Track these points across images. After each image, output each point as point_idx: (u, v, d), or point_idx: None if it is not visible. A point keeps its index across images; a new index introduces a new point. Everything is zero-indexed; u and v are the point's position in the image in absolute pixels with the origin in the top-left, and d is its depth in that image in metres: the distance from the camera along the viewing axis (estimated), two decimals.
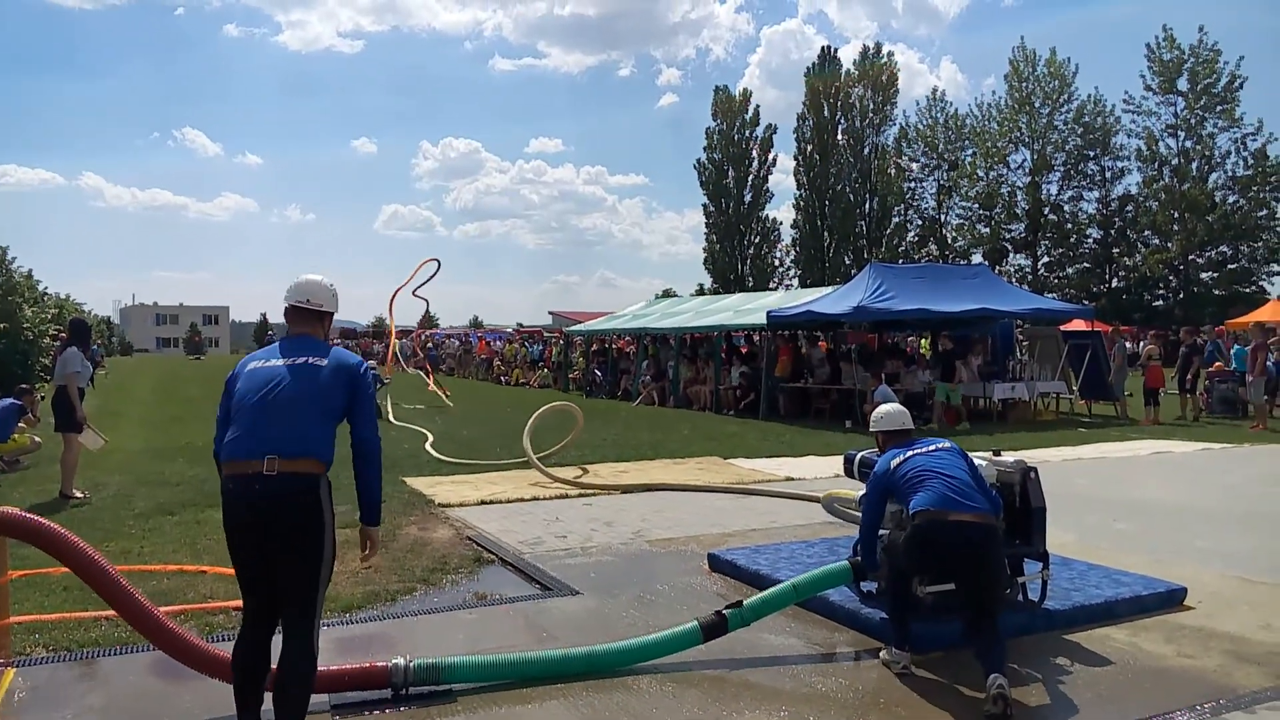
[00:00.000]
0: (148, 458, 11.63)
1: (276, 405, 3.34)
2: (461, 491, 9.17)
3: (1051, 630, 4.88)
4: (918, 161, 58.21)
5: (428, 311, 27.41)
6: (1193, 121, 45.61)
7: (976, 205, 54.20)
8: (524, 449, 10.21)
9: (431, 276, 22.06)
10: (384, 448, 3.62)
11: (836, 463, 6.80)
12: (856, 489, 5.82)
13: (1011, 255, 54.05)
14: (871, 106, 58.18)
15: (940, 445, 4.63)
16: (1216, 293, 45.09)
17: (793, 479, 9.94)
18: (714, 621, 4.48)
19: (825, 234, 59.07)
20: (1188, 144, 46.20)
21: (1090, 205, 51.94)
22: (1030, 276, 51.88)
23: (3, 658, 4.25)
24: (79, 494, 8.77)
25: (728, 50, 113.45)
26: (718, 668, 4.41)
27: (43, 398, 12.55)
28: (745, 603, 4.64)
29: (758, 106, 61.71)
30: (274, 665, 3.40)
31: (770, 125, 61.62)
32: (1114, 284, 51.33)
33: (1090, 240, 52.25)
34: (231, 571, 3.67)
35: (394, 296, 22.51)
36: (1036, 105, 51.21)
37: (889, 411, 4.99)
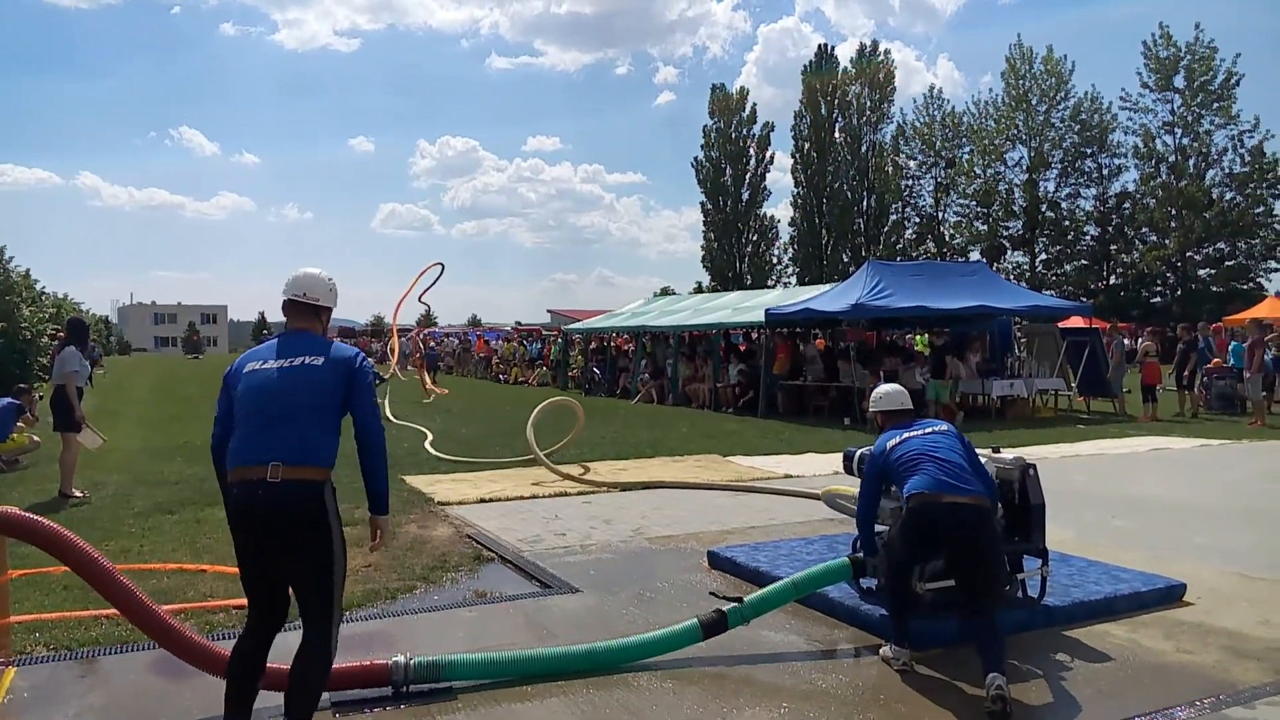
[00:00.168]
0: (146, 457, 11.63)
1: (277, 411, 3.34)
2: (461, 489, 9.17)
3: (1051, 627, 4.88)
4: (915, 159, 58.29)
5: (427, 311, 27.50)
6: (1189, 119, 45.68)
7: (974, 203, 54.26)
8: (529, 443, 10.21)
9: (436, 280, 22.13)
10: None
11: (835, 460, 6.83)
12: (856, 485, 5.83)
13: (1009, 252, 54.10)
14: (869, 104, 58.20)
15: (937, 428, 4.66)
16: (1214, 289, 45.18)
17: (791, 476, 9.94)
18: (714, 619, 4.49)
19: (823, 231, 59.11)
20: (1185, 141, 46.32)
21: (1088, 202, 52.12)
22: (1028, 273, 51.92)
23: (3, 657, 4.24)
24: (78, 493, 8.77)
25: (725, 48, 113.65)
26: (717, 665, 4.42)
27: (41, 397, 12.53)
28: (745, 600, 4.64)
29: (755, 104, 61.99)
30: (277, 664, 3.40)
31: (768, 123, 61.79)
32: (1112, 281, 51.42)
33: (1088, 237, 52.33)
34: (231, 570, 3.69)
35: (399, 304, 22.56)
36: (1033, 103, 51.26)
37: (888, 391, 5.06)
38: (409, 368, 27.17)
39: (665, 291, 61.43)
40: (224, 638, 4.49)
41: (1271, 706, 3.91)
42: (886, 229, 58.22)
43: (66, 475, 8.81)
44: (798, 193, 60.01)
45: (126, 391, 26.64)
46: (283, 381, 3.39)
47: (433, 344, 34.89)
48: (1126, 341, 21.32)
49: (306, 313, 3.64)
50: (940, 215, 58.03)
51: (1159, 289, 49.48)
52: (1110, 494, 8.93)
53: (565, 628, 4.96)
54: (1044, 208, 51.81)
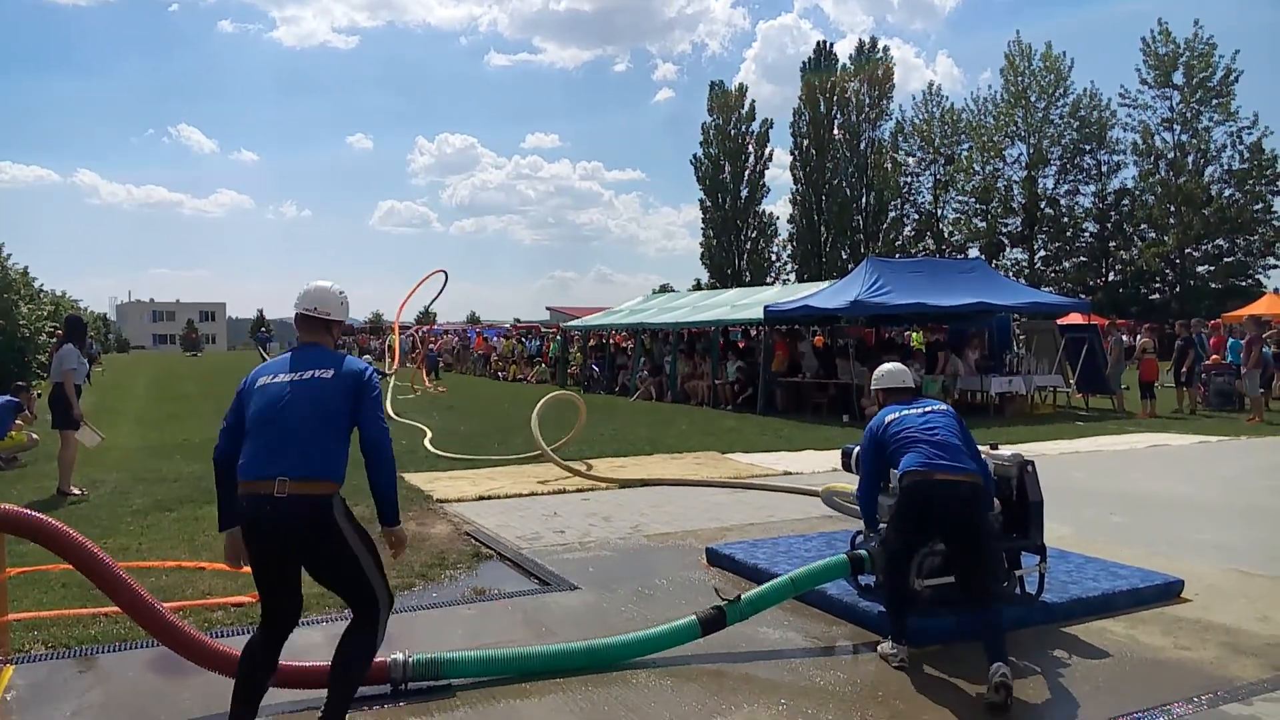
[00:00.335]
0: (145, 454, 11.63)
1: (286, 426, 3.37)
2: (459, 487, 9.17)
3: (1049, 623, 4.90)
4: (914, 156, 58.18)
5: (427, 310, 27.81)
6: (1188, 115, 45.61)
7: (973, 199, 54.18)
8: (533, 437, 10.23)
9: (442, 288, 22.49)
10: None
11: (834, 457, 6.82)
12: (854, 483, 5.84)
13: (1008, 249, 54.04)
14: (868, 101, 58.05)
15: (935, 407, 4.71)
16: (1213, 286, 45.11)
17: (790, 473, 9.95)
18: (712, 615, 4.49)
19: (822, 229, 59.01)
20: (1183, 138, 46.24)
21: (1086, 199, 52.01)
22: (1027, 270, 51.89)
23: (1, 655, 4.24)
24: (76, 491, 8.77)
25: (724, 45, 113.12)
26: (716, 662, 4.42)
27: (39, 395, 12.54)
28: (743, 597, 4.65)
29: (754, 101, 61.71)
30: (281, 663, 3.44)
31: (766, 120, 61.60)
32: (1110, 278, 51.37)
33: (1087, 234, 52.27)
34: (229, 568, 3.72)
35: (401, 307, 23.08)
36: (1032, 99, 51.18)
37: (889, 370, 5.11)
38: (407, 365, 27.22)
39: (664, 288, 61.45)
40: (223, 636, 4.50)
41: (1269, 703, 3.91)
42: (885, 226, 58.16)
43: (65, 473, 8.81)
44: (796, 190, 59.96)
45: (125, 389, 26.61)
46: (293, 395, 3.43)
47: (431, 344, 34.81)
48: (1125, 338, 21.33)
49: (317, 327, 3.69)
50: (939, 212, 57.96)
51: (1158, 286, 49.44)
52: (1108, 490, 8.94)
53: (564, 625, 4.97)
54: (1043, 204, 51.78)
